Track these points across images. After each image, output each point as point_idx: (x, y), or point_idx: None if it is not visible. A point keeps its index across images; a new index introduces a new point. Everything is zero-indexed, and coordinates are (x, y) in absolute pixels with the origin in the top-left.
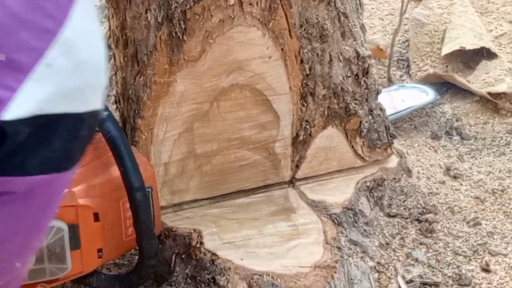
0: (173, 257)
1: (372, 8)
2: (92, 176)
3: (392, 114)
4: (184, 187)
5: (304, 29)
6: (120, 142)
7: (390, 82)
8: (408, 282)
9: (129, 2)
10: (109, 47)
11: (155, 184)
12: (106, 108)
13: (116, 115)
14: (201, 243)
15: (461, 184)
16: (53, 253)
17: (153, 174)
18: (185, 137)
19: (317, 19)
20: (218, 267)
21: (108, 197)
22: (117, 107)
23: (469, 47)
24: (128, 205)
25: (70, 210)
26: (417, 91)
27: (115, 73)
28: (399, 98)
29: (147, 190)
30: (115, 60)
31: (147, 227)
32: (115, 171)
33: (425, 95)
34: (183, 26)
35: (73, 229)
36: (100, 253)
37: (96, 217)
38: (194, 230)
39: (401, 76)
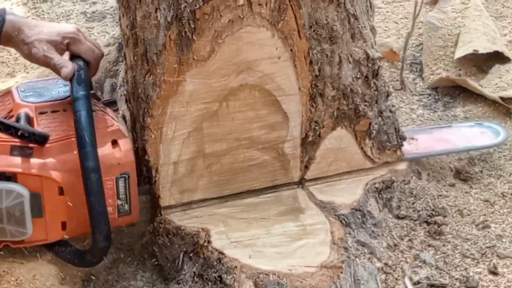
0: (181, 256)
1: (387, 12)
2: (65, 151)
3: (447, 151)
4: (193, 186)
5: (314, 30)
6: (84, 122)
7: (402, 85)
8: (415, 283)
9: (139, 2)
10: (122, 46)
11: (133, 171)
12: (85, 88)
13: (127, 114)
14: (209, 242)
15: (471, 187)
16: (12, 216)
17: (133, 161)
18: (194, 137)
19: (326, 20)
20: (225, 265)
21: (78, 174)
22: (127, 106)
23: (482, 51)
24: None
25: (35, 179)
26: (490, 131)
27: (126, 72)
28: (468, 135)
29: (123, 176)
30: (126, 59)
31: (98, 210)
32: None
33: (495, 137)
34: (192, 26)
35: (35, 198)
36: (64, 226)
37: (61, 191)
38: (202, 229)
39: (414, 79)
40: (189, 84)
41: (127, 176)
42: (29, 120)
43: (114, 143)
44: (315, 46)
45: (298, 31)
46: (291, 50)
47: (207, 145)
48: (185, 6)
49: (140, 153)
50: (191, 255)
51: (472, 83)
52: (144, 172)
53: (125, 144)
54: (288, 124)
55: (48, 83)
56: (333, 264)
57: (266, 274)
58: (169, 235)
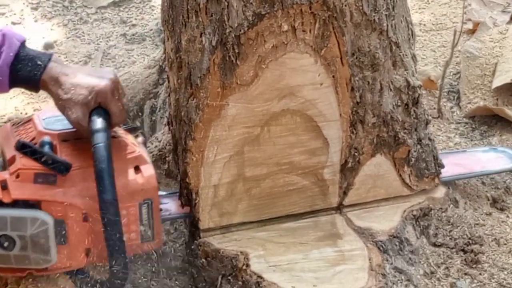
0: (219, 278)
1: (425, 40)
2: (88, 178)
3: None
4: (233, 209)
5: (356, 57)
6: (102, 155)
7: (439, 113)
8: None
9: (184, 26)
10: (164, 69)
11: (156, 197)
12: (104, 121)
13: (169, 137)
14: (247, 265)
15: (507, 216)
16: (37, 244)
17: (156, 187)
18: (235, 160)
19: (369, 47)
20: None
21: None
22: (169, 129)
23: None
24: (126, 211)
25: (59, 205)
26: (506, 156)
27: (169, 95)
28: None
29: (146, 202)
30: (169, 82)
31: (114, 242)
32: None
33: (510, 161)
34: (236, 51)
35: (60, 225)
36: (88, 253)
37: (85, 217)
38: (241, 252)
39: (451, 107)
40: (231, 108)
41: (150, 202)
42: (52, 147)
43: (137, 169)
44: (357, 73)
45: (341, 58)
46: (333, 76)
47: (247, 169)
48: (230, 31)
49: (181, 176)
50: (229, 278)
51: (510, 112)
52: (185, 194)
53: (148, 170)
54: (328, 150)
55: None
56: None
57: None
58: (208, 258)
